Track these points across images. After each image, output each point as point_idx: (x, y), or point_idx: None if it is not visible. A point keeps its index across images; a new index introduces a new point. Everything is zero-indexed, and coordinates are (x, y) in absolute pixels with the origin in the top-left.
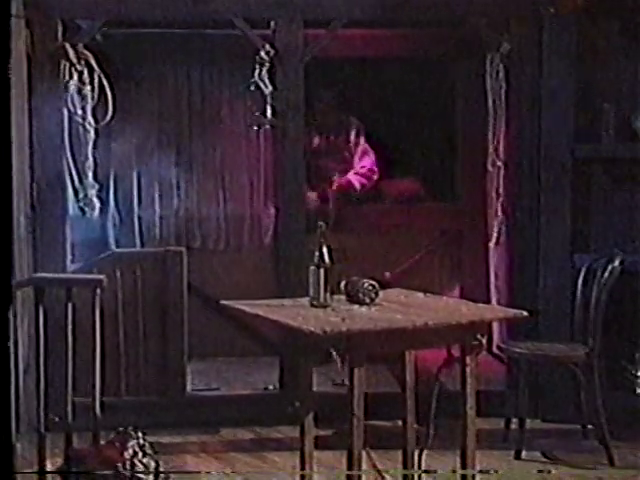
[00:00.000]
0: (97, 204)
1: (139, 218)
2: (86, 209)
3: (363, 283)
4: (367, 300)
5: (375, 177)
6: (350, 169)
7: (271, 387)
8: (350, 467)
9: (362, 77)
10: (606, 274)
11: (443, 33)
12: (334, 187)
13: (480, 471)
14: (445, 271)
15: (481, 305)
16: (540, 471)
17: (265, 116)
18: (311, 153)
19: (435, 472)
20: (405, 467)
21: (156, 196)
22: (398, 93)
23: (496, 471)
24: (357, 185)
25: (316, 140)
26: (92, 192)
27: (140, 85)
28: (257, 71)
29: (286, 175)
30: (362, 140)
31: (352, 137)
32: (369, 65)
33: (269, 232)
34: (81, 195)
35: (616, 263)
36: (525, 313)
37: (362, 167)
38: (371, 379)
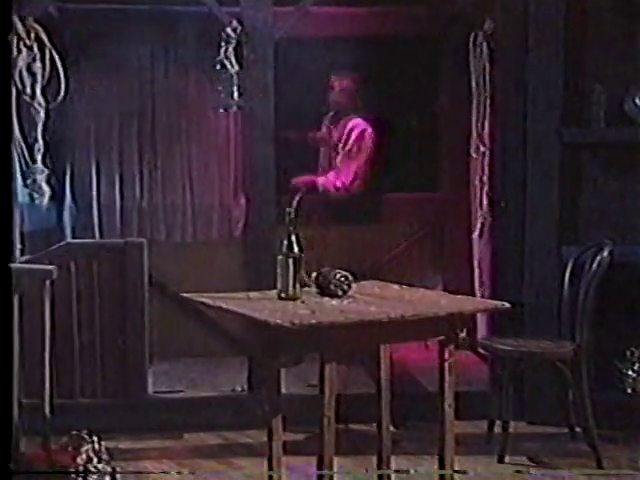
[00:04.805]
0: (47, 191)
1: (98, 208)
2: (35, 196)
3: (335, 274)
4: (339, 292)
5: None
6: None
7: (239, 389)
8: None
9: (340, 58)
10: (594, 266)
11: (425, 11)
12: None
13: (456, 471)
14: (427, 264)
15: (461, 297)
16: (518, 471)
17: (232, 98)
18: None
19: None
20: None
21: (117, 184)
22: (377, 75)
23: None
24: (320, 189)
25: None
26: (41, 178)
27: (99, 65)
28: (223, 49)
29: (256, 162)
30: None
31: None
32: (347, 45)
33: (239, 224)
34: (29, 181)
35: (605, 254)
36: (507, 304)
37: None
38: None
